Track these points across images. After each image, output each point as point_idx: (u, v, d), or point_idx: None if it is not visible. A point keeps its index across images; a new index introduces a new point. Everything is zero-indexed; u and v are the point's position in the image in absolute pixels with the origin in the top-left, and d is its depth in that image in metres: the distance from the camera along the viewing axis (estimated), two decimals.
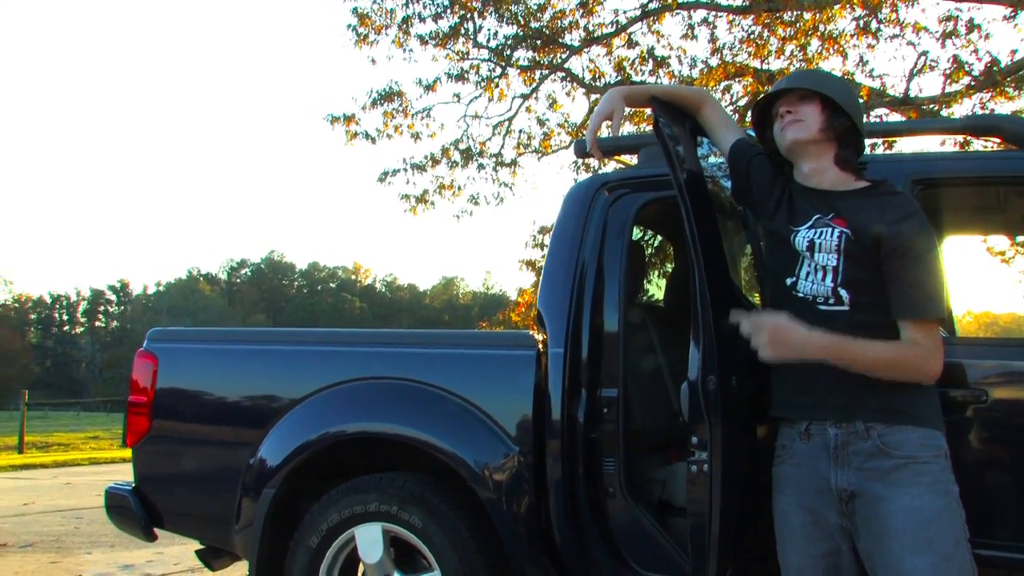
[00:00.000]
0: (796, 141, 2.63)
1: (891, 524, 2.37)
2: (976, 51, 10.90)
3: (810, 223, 2.57)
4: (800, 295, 2.56)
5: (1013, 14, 10.45)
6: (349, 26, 13.11)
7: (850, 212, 2.52)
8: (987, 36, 10.74)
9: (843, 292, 2.49)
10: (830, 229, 2.53)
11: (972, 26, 10.90)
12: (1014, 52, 10.68)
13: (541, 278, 3.72)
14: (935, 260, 2.45)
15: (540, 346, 3.51)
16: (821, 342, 2.38)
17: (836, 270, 2.50)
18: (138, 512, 4.05)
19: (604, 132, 2.90)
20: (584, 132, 13.04)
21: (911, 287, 2.42)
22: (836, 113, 2.60)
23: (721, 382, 2.60)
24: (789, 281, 2.59)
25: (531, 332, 3.64)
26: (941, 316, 2.45)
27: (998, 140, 3.58)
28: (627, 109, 2.92)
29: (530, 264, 14.04)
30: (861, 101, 10.59)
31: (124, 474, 4.24)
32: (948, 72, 10.75)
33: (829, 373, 2.47)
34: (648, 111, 3.03)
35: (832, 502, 2.48)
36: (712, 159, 3.14)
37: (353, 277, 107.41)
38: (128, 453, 4.18)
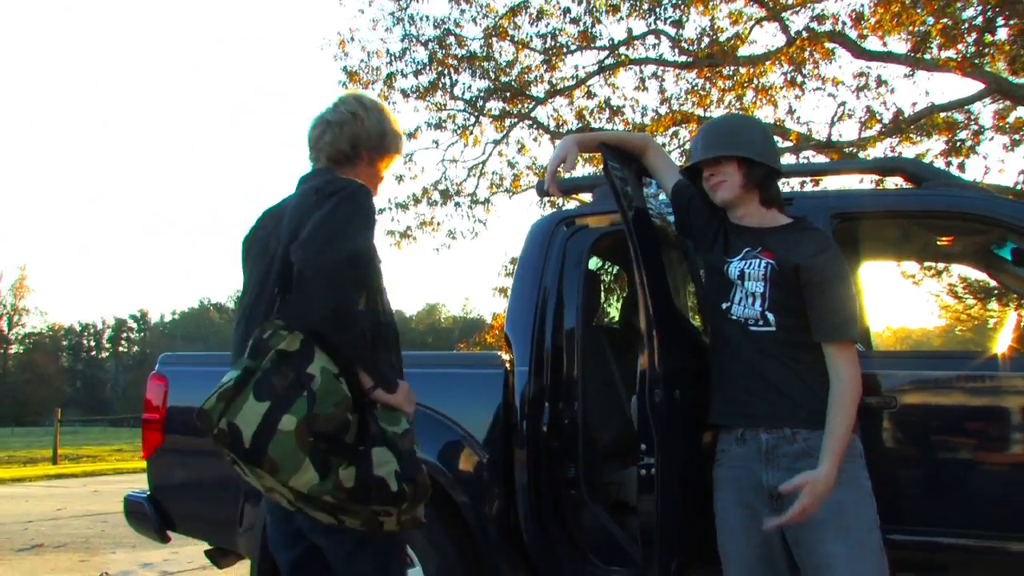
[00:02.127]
0: (724, 201, 2.64)
1: (814, 515, 2.38)
2: (885, 103, 11.18)
3: (741, 255, 2.58)
4: (734, 318, 2.57)
5: (911, 72, 10.73)
6: (340, 83, 13.15)
7: (776, 246, 2.54)
8: (892, 90, 11.05)
9: (770, 315, 2.50)
10: (758, 261, 2.54)
11: (880, 81, 11.16)
12: (914, 104, 10.96)
13: (508, 304, 3.70)
14: (848, 287, 2.48)
15: (507, 365, 3.49)
16: (832, 467, 2.35)
17: (764, 296, 2.51)
18: (152, 517, 4.01)
19: (565, 174, 2.90)
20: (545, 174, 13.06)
21: (828, 312, 2.44)
22: (753, 166, 2.58)
23: (666, 395, 2.59)
24: (724, 305, 2.60)
25: (500, 353, 3.62)
26: (855, 336, 2.47)
27: (902, 179, 3.62)
28: (585, 154, 2.96)
29: (503, 291, 14.01)
30: (791, 144, 10.72)
31: (144, 483, 4.19)
32: (863, 120, 10.97)
33: (760, 386, 2.50)
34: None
35: (764, 499, 2.49)
36: (663, 196, 3.14)
37: None
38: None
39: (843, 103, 11.28)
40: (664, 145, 11.41)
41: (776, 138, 11.63)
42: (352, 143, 2.52)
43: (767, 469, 2.48)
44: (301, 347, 2.18)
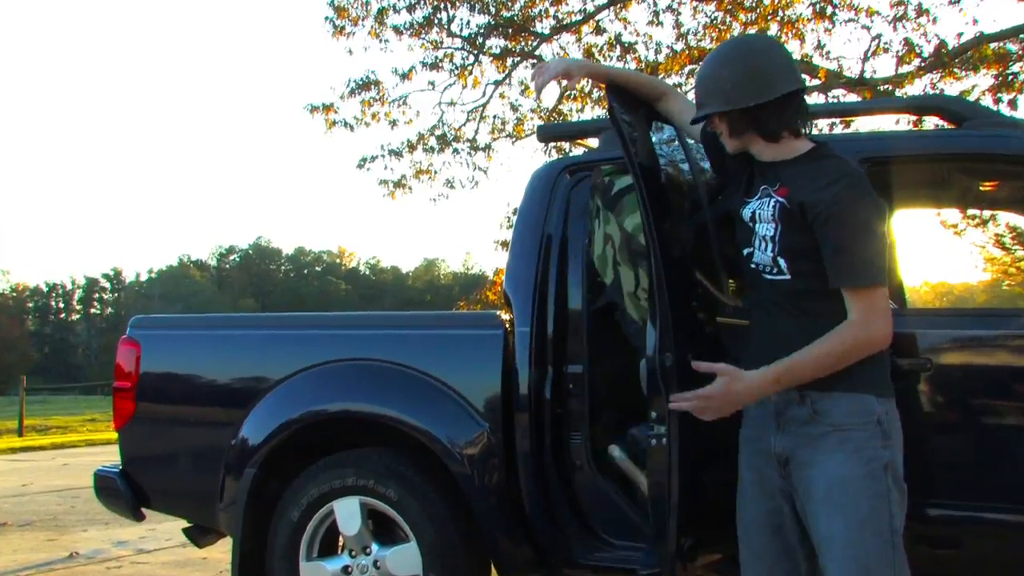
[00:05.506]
0: (731, 151, 2.60)
1: (814, 489, 2.39)
2: (925, 34, 10.90)
3: (758, 195, 2.52)
4: (753, 265, 2.53)
5: None
6: (327, 18, 13.01)
7: (789, 180, 2.46)
8: (935, 20, 10.73)
9: (781, 261, 2.44)
10: (769, 199, 2.48)
11: (921, 10, 10.90)
12: (960, 35, 10.66)
13: (507, 259, 3.69)
14: (863, 225, 2.35)
15: (507, 326, 3.49)
16: (764, 382, 2.36)
17: (774, 240, 2.45)
18: (125, 493, 4.02)
19: (563, 82, 2.85)
20: (555, 117, 13.00)
21: (838, 253, 2.34)
22: (730, 113, 2.50)
23: (677, 358, 2.59)
24: (747, 252, 2.55)
25: (498, 312, 3.62)
26: (874, 282, 2.34)
27: (941, 119, 3.59)
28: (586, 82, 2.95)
29: (505, 244, 13.97)
30: (819, 82, 10.58)
31: (118, 455, 4.20)
32: (900, 54, 10.75)
33: (771, 341, 2.46)
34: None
35: (773, 465, 2.49)
36: (677, 143, 3.11)
37: (338, 260, 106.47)
38: None
39: (878, 35, 11.11)
40: (680, 86, 11.28)
41: (802, 76, 11.50)
42: None
43: (776, 433, 2.47)
44: None
